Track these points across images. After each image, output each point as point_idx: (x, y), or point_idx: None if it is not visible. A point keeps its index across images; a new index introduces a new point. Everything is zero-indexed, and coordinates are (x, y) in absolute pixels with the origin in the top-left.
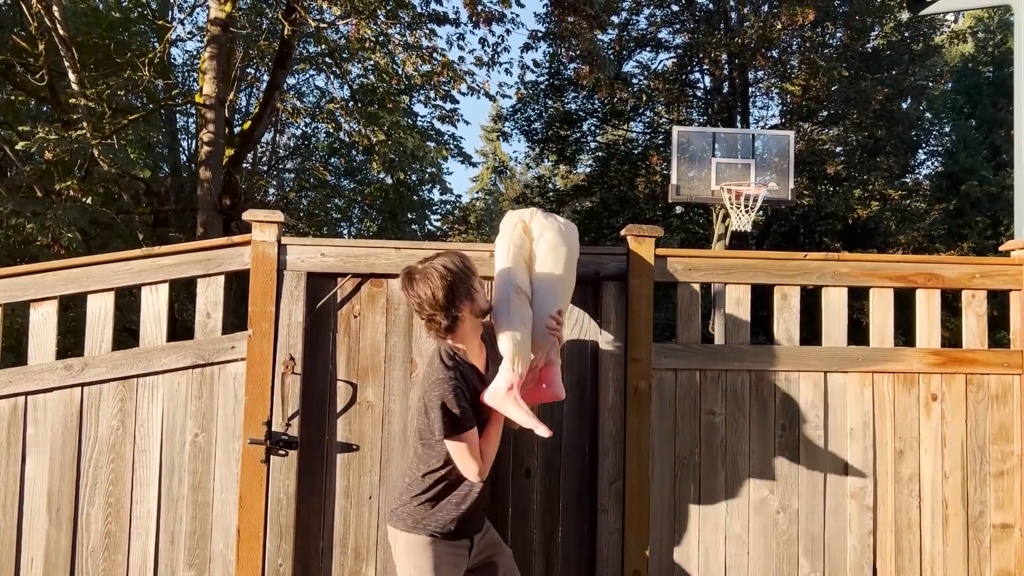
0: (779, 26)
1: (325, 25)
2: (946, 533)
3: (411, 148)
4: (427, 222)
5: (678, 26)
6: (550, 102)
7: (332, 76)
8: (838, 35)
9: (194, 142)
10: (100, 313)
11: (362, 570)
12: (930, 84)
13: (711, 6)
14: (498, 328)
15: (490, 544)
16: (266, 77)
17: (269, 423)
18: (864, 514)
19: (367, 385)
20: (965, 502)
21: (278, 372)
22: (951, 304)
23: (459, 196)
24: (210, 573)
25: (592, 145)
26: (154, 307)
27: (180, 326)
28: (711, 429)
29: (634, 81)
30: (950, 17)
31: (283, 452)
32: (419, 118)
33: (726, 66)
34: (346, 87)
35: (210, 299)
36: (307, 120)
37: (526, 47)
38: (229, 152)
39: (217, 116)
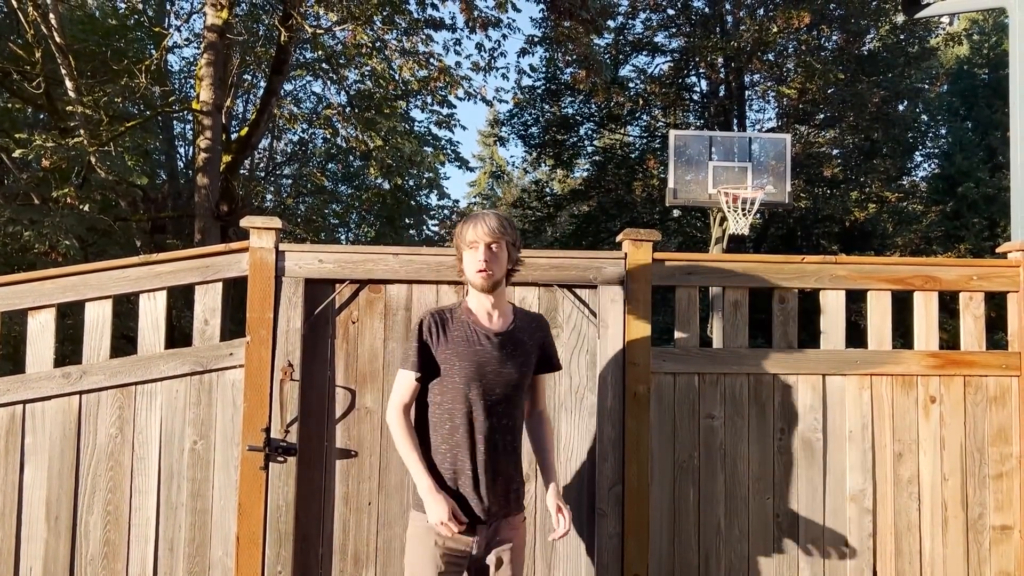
0: (775, 29)
1: (322, 31)
2: (946, 535)
3: (408, 153)
4: (425, 227)
5: (674, 30)
6: (547, 107)
7: (329, 82)
8: (834, 38)
9: (191, 149)
10: (98, 321)
11: None
12: (926, 86)
13: (707, 10)
14: None
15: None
16: (263, 83)
17: (268, 430)
18: (863, 517)
19: (366, 391)
20: (964, 504)
21: (276, 379)
22: (949, 306)
23: (456, 201)
24: None
25: (589, 149)
26: (152, 314)
27: (178, 333)
28: (710, 433)
29: (631, 85)
30: (945, 20)
31: (282, 459)
32: (416, 123)
33: (722, 70)
34: (343, 93)
35: (208, 306)
36: (304, 126)
37: (523, 52)
38: (226, 158)
39: (214, 122)
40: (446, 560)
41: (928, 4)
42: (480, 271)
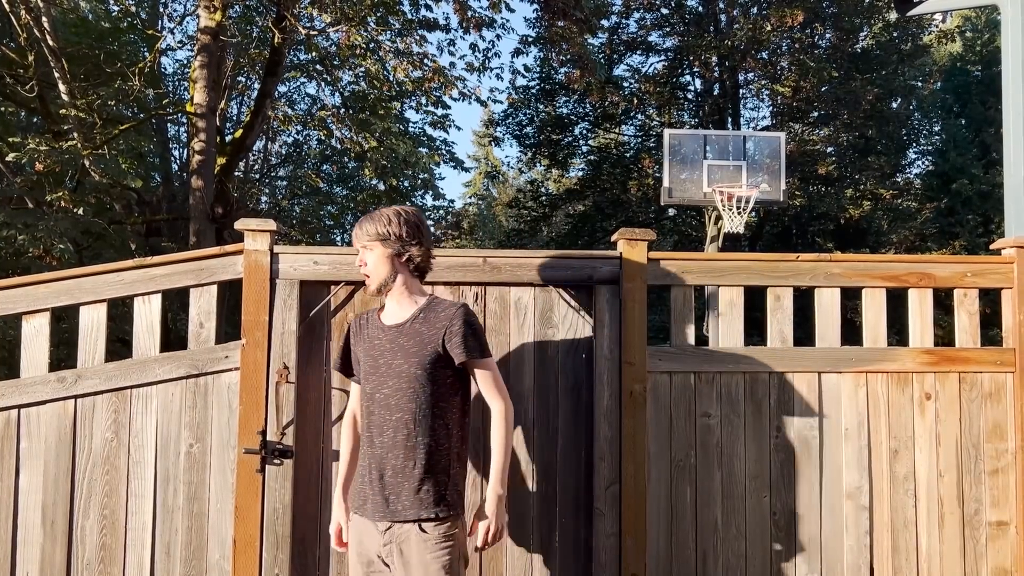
0: (768, 28)
1: (315, 32)
2: (942, 532)
3: (403, 154)
4: None
5: (668, 29)
6: (541, 106)
7: (323, 83)
8: (827, 36)
9: (185, 151)
10: (93, 325)
11: None
12: (919, 84)
13: (700, 9)
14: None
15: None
16: (257, 85)
17: (264, 432)
18: (860, 514)
19: None
20: (961, 500)
21: (272, 381)
22: (944, 303)
23: (452, 201)
24: None
25: (584, 149)
26: (147, 318)
27: (174, 336)
28: (706, 431)
29: (625, 84)
30: (938, 17)
31: (278, 461)
32: (411, 124)
33: (716, 68)
34: (337, 94)
35: (203, 309)
36: (299, 128)
37: (517, 52)
38: (221, 161)
39: (208, 125)
40: (366, 568)
41: (920, 1)
42: (365, 275)
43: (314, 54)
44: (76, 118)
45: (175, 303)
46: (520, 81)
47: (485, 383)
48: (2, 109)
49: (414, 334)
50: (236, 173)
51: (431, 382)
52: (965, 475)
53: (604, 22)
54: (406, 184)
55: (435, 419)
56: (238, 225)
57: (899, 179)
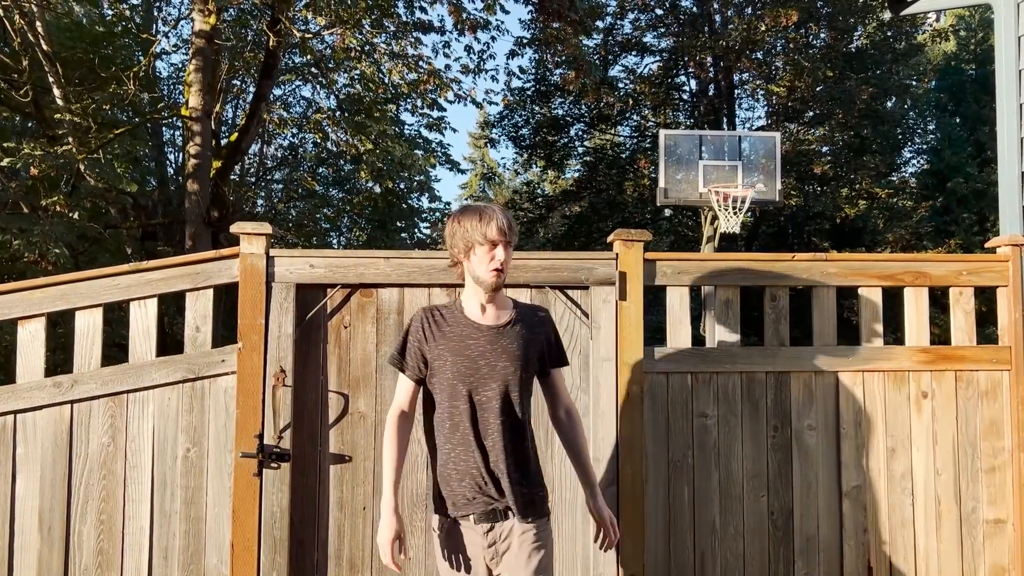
0: (763, 28)
1: (310, 35)
2: (940, 530)
3: (399, 156)
4: (416, 230)
5: (663, 30)
6: (537, 108)
7: (318, 86)
8: (822, 35)
9: (181, 155)
10: (89, 329)
11: None
12: (914, 83)
13: (695, 9)
14: None
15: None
16: (252, 88)
17: (261, 436)
18: (858, 513)
19: (359, 396)
20: (958, 499)
21: (269, 385)
22: (940, 301)
23: (448, 203)
24: None
25: (580, 150)
26: (143, 322)
27: (170, 340)
28: (704, 431)
29: (620, 85)
30: (932, 16)
31: (275, 465)
32: (406, 126)
33: (711, 69)
34: (333, 97)
35: (199, 313)
36: (294, 130)
37: (512, 53)
38: (216, 164)
39: (203, 128)
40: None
41: (914, 1)
42: (497, 271)
43: (309, 57)
44: (71, 122)
45: (171, 307)
46: (515, 83)
47: (564, 386)
48: None
49: (517, 337)
50: (232, 176)
51: (526, 386)
52: (962, 473)
53: (599, 23)
54: (402, 186)
55: (528, 422)
56: (234, 229)
57: (894, 178)
